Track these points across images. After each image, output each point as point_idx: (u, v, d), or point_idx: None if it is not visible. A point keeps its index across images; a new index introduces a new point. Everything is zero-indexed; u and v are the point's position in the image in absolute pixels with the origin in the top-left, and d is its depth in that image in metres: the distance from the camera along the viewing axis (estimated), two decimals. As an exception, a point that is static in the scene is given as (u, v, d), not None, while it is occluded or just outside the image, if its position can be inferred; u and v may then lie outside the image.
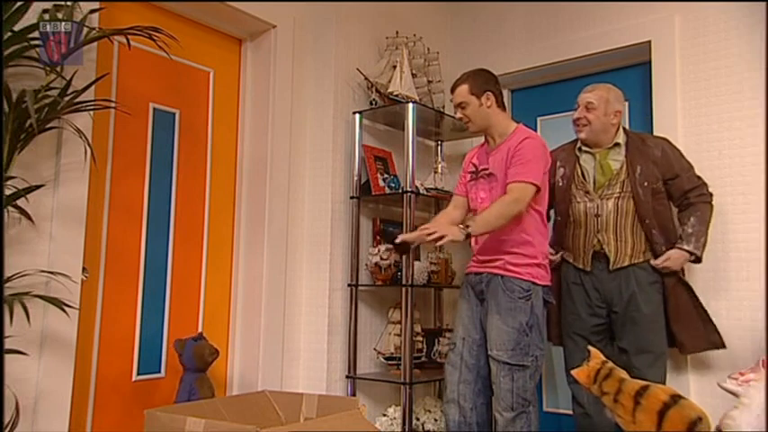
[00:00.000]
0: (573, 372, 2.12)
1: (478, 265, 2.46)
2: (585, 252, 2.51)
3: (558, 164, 2.61)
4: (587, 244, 2.50)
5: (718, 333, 2.43)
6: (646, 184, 2.44)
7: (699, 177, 2.49)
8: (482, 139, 2.59)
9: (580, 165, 2.58)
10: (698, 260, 2.44)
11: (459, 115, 2.49)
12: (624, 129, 2.58)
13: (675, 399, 1.88)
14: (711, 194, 2.48)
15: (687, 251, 2.41)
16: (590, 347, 2.19)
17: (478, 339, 2.42)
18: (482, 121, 2.46)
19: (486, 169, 2.47)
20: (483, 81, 2.45)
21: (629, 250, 2.44)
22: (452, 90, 2.49)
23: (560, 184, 2.59)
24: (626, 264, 2.44)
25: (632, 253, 2.44)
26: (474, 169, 2.54)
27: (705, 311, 2.45)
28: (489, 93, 2.44)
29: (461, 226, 2.26)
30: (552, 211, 2.69)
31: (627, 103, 3.01)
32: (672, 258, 2.42)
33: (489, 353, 2.34)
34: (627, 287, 2.43)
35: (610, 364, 2.08)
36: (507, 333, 2.30)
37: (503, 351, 2.30)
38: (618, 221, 2.46)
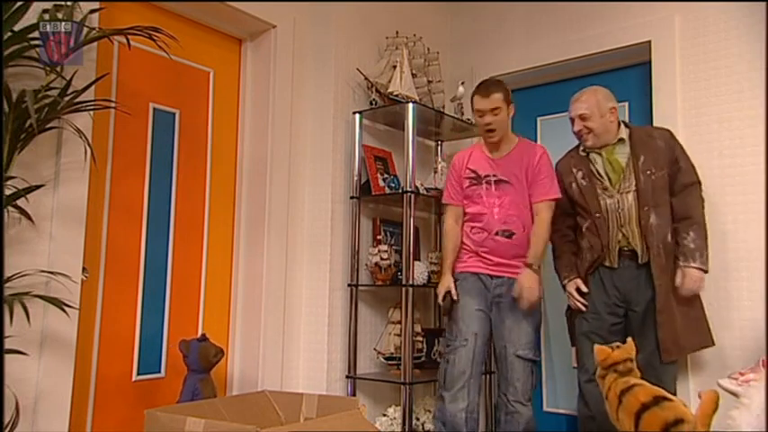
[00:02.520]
0: (597, 346, 2.11)
1: (496, 267, 2.56)
2: (612, 249, 2.49)
3: (575, 169, 2.61)
4: (613, 240, 2.49)
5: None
6: (648, 172, 2.44)
7: (695, 175, 2.47)
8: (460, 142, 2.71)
9: (593, 165, 2.57)
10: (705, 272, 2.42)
11: (488, 120, 2.53)
12: (625, 123, 2.59)
13: (657, 400, 1.86)
14: (701, 192, 2.46)
15: (697, 268, 2.36)
16: (629, 339, 2.15)
17: (488, 338, 2.57)
18: (503, 130, 2.58)
19: (495, 176, 2.57)
20: (508, 92, 2.59)
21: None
22: (486, 95, 2.52)
23: (584, 183, 2.57)
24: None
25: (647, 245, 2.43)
26: (474, 175, 2.59)
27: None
28: (512, 104, 2.61)
29: (529, 266, 2.47)
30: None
31: (627, 103, 3.02)
32: (687, 279, 2.37)
33: (516, 352, 2.49)
34: (646, 279, 2.42)
35: (632, 364, 2.06)
36: (528, 333, 2.51)
37: (528, 350, 2.50)
38: (639, 213, 2.45)
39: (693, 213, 2.42)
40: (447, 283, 2.59)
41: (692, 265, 2.36)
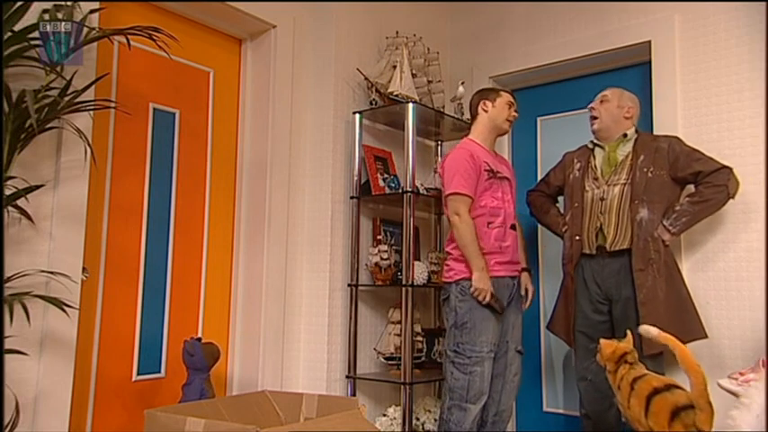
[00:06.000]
0: (602, 340, 2.15)
1: (513, 266, 2.62)
2: (589, 234, 2.55)
3: (575, 160, 2.72)
4: (591, 226, 2.55)
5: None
6: (645, 169, 2.48)
7: (722, 167, 2.42)
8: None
9: (594, 157, 2.66)
10: (672, 234, 2.45)
11: (515, 115, 2.74)
12: (637, 129, 2.64)
13: (669, 387, 1.89)
14: (726, 186, 2.39)
15: (665, 226, 2.43)
16: (629, 331, 2.18)
17: None
18: None
19: (499, 172, 2.63)
20: None
21: (629, 234, 2.45)
22: (513, 96, 2.77)
23: (576, 175, 2.68)
24: (625, 246, 2.45)
25: (632, 237, 2.45)
26: (489, 168, 2.60)
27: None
28: None
29: (527, 270, 2.75)
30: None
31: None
32: (658, 230, 2.44)
33: (517, 348, 2.62)
34: (625, 275, 2.43)
35: (636, 355, 2.10)
36: (521, 328, 2.67)
37: (522, 345, 2.65)
38: (621, 205, 2.49)
39: (703, 191, 2.43)
40: (489, 282, 2.46)
41: (665, 222, 2.44)
